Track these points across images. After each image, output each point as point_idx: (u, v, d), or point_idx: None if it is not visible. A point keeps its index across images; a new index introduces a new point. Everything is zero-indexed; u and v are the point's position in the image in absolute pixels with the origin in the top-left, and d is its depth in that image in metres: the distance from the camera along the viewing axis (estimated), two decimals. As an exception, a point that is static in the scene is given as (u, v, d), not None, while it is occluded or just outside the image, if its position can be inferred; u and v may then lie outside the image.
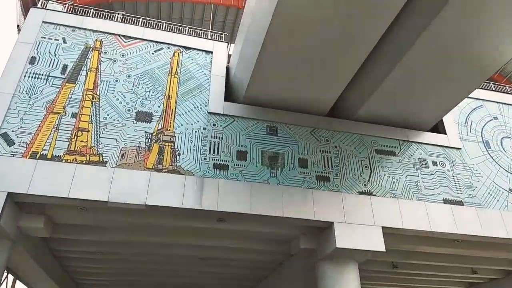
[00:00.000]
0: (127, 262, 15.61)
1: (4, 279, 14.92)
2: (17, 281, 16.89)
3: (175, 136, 11.46)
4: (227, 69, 13.39)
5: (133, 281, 19.04)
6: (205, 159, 11.25)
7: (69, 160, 10.29)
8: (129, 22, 13.57)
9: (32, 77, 11.34)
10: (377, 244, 10.92)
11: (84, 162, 10.37)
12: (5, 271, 13.81)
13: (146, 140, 11.21)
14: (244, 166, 11.42)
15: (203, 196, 10.55)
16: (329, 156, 12.31)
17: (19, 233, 10.54)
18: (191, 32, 14.16)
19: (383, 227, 11.24)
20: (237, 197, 10.77)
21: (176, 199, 10.31)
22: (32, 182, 9.68)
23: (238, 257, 14.45)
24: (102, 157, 10.59)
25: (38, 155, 10.17)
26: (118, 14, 13.99)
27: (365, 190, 11.87)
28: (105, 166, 10.43)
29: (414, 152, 13.16)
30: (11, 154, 10.02)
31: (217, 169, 11.15)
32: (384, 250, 10.94)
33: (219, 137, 11.78)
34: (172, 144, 11.31)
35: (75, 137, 10.76)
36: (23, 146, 10.23)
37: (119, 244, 13.48)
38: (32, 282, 14.82)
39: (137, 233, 12.38)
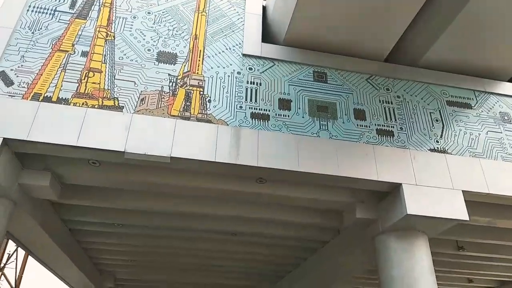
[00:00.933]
0: (148, 237, 13.87)
1: (14, 252, 13.41)
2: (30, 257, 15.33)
3: (204, 81, 9.47)
4: (263, 8, 11.29)
5: (155, 262, 17.33)
6: (240, 107, 9.23)
7: (78, 104, 8.46)
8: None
9: (36, 11, 9.56)
10: (459, 211, 8.65)
11: (96, 106, 8.52)
12: (16, 245, 12.29)
13: (170, 84, 9.26)
14: (288, 116, 9.32)
15: (240, 149, 8.53)
16: (390, 108, 10.07)
17: (22, 194, 8.85)
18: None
19: (463, 191, 8.95)
20: (280, 152, 8.71)
21: (208, 151, 8.33)
22: (33, 127, 7.89)
23: (277, 233, 12.48)
24: (118, 101, 8.71)
25: (41, 97, 8.38)
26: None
27: (437, 148, 9.58)
28: (121, 111, 8.54)
29: (494, 105, 10.75)
30: (9, 96, 8.25)
31: (256, 119, 9.11)
32: (468, 219, 8.67)
33: (257, 83, 9.71)
34: (201, 89, 9.33)
35: (86, 78, 8.91)
36: (24, 87, 8.46)
37: (138, 214, 11.73)
38: (45, 258, 13.21)
39: (160, 199, 10.54)
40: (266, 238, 13.44)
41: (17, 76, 8.56)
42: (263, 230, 12.36)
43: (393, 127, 9.71)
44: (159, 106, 8.86)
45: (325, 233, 12.62)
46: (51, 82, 8.65)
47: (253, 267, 17.35)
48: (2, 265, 12.29)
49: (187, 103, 9.04)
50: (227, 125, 8.85)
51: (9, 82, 8.45)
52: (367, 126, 9.57)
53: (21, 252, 14.47)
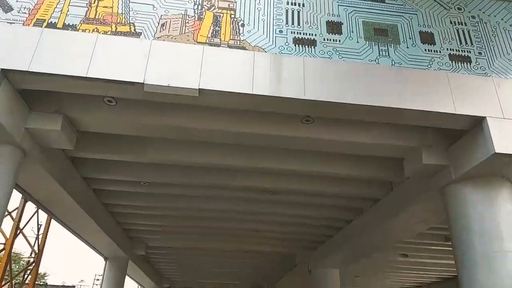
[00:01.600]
0: (177, 198, 12.74)
1: (34, 213, 12.58)
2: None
3: (235, 2, 7.85)
4: None
5: (186, 227, 16.33)
6: (280, 31, 7.59)
7: (88, 30, 7.08)
8: None
9: None
10: (559, 148, 6.82)
11: (108, 32, 7.10)
12: (35, 206, 11.40)
13: (195, 7, 7.72)
14: (339, 41, 7.62)
15: (282, 79, 6.96)
16: (465, 30, 8.16)
17: (32, 142, 7.70)
18: None
19: None
20: (332, 82, 7.09)
21: (243, 82, 6.82)
22: (35, 56, 6.58)
23: (320, 189, 11.03)
24: (134, 27, 7.27)
25: (45, 24, 7.05)
26: None
27: (527, 74, 7.67)
28: (139, 38, 7.10)
29: None
30: (8, 22, 6.95)
31: (300, 45, 7.46)
32: None
33: (299, 4, 8.01)
34: (232, 12, 7.73)
35: (96, 1, 7.49)
36: (25, 13, 7.14)
37: (165, 170, 10.50)
38: (68, 220, 12.30)
39: (187, 148, 9.22)
40: (307, 197, 12.02)
41: (17, 1, 7.23)
42: (305, 187, 10.94)
43: (470, 52, 7.84)
44: (183, 32, 7.36)
45: (377, 189, 11.06)
46: (56, 7, 7.28)
47: (291, 231, 16.07)
48: (21, 226, 11.46)
49: (216, 28, 7.49)
50: (265, 52, 7.26)
51: (7, 8, 7.15)
52: (437, 51, 7.74)
53: (45, 216, 13.71)
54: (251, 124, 7.88)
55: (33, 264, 11.23)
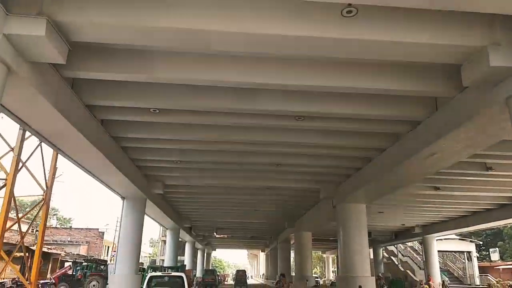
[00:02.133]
0: (190, 129, 11.55)
1: (37, 146, 11.64)
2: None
3: None
4: None
5: (202, 165, 15.41)
6: None
7: None
8: None
9: None
10: None
11: None
12: (36, 136, 10.37)
13: None
14: None
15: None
16: None
17: (14, 53, 6.39)
18: None
19: None
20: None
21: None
22: None
23: (356, 112, 9.65)
24: None
25: None
26: None
27: None
28: None
29: None
30: None
31: None
32: None
33: None
34: None
35: None
36: None
37: (174, 93, 9.19)
38: (74, 154, 11.33)
39: (202, 63, 7.84)
40: (337, 121, 10.63)
41: None
42: (337, 109, 9.57)
43: None
44: None
45: (419, 108, 9.60)
46: None
47: (315, 165, 14.99)
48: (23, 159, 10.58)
49: None
50: None
51: None
52: None
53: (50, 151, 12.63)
54: (282, 21, 6.33)
55: (42, 202, 10.55)
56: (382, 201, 18.99)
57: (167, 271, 25.37)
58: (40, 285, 20.09)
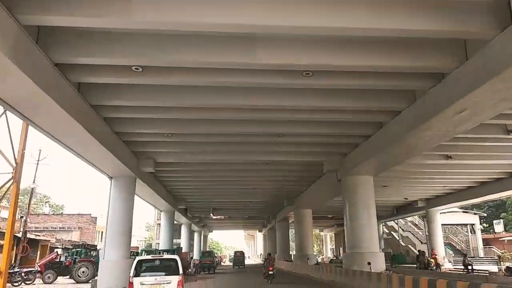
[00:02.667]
0: (179, 92, 10.10)
1: (1, 115, 10.10)
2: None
3: None
4: None
5: (195, 137, 14.03)
6: None
7: None
8: None
9: None
10: None
11: None
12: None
13: None
14: None
15: None
16: None
17: None
18: None
19: None
20: None
21: None
22: None
23: (371, 64, 8.20)
24: None
25: None
26: None
27: None
28: None
29: None
30: None
31: None
32: None
33: None
34: None
35: None
36: None
37: (159, 44, 7.69)
38: (48, 126, 9.81)
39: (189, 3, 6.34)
40: (353, 78, 9.23)
41: None
42: (353, 61, 8.16)
43: None
44: None
45: (448, 55, 8.22)
46: None
47: (319, 134, 13.65)
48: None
49: None
50: None
51: None
52: None
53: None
54: None
55: (12, 181, 9.15)
56: (387, 173, 17.83)
57: (162, 254, 24.51)
58: (23, 274, 18.81)
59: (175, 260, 8.19)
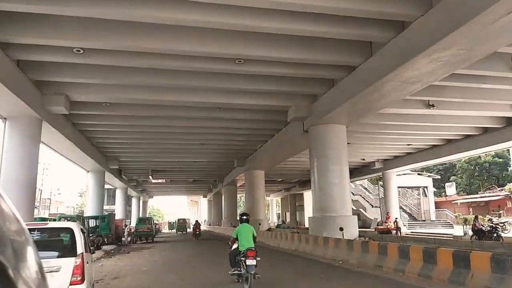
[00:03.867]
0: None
1: None
2: None
3: None
4: None
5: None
6: None
7: None
8: None
9: None
10: None
11: None
12: None
13: None
14: None
15: None
16: None
17: None
18: None
19: None
20: None
21: None
22: None
23: None
24: None
25: None
26: None
27: None
28: None
29: None
30: None
31: None
32: None
33: None
34: None
35: None
36: None
37: None
38: None
39: None
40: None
41: None
42: None
43: None
44: None
45: None
46: None
47: (285, 74, 10.36)
48: None
49: None
50: None
51: None
52: None
53: None
54: None
55: None
56: (352, 129, 15.14)
57: (87, 222, 20.47)
58: None
59: (69, 231, 4.58)
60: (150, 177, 30.99)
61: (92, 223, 22.52)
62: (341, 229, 12.08)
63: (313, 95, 13.30)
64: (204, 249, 18.01)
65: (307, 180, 44.51)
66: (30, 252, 0.80)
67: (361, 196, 37.61)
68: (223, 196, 42.13)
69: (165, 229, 55.69)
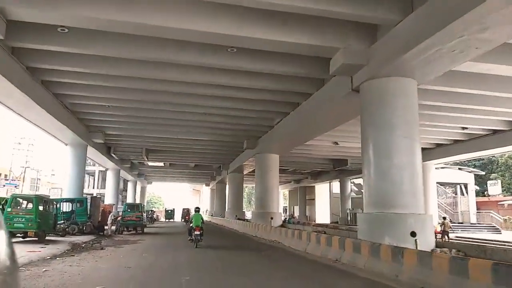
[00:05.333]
0: None
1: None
2: None
3: None
4: None
5: None
6: None
7: None
8: None
9: None
10: None
11: None
12: None
13: None
14: None
15: None
16: None
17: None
18: None
19: None
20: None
21: None
22: None
23: None
24: None
25: None
26: None
27: None
28: None
29: None
30: None
31: None
32: None
33: None
34: None
35: None
36: None
37: None
38: None
39: None
40: None
41: None
42: None
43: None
44: None
45: None
46: None
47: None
48: None
49: None
50: None
51: None
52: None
53: None
54: None
55: None
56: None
57: (55, 205, 16.17)
58: None
59: None
60: (144, 157, 26.68)
61: (66, 207, 18.36)
62: (413, 234, 7.76)
63: (372, 29, 8.83)
64: (208, 253, 13.54)
65: (322, 172, 40.39)
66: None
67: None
68: (227, 185, 37.98)
69: (161, 218, 51.37)
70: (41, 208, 13.04)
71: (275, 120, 17.40)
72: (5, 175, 37.64)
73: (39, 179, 48.06)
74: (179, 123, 18.51)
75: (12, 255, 0.76)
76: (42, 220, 12.91)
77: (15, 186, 33.77)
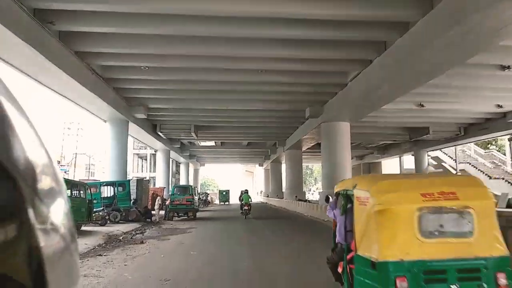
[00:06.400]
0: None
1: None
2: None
3: None
4: None
5: None
6: None
7: None
8: None
9: None
10: None
11: None
12: None
13: None
14: None
15: None
16: None
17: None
18: None
19: None
20: None
21: None
22: None
23: None
24: None
25: None
26: None
27: None
28: None
29: None
30: None
31: None
32: None
33: None
34: None
35: None
36: None
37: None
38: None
39: None
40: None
41: None
42: None
43: None
44: None
45: None
46: None
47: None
48: None
49: None
50: None
51: None
52: None
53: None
54: None
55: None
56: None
57: (99, 190, 13.74)
58: None
59: None
60: (193, 134, 24.01)
61: (107, 192, 16.13)
62: None
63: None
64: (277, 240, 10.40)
65: (391, 145, 35.48)
66: (60, 202, 0.71)
67: (470, 164, 28.11)
68: (283, 164, 34.70)
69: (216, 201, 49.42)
70: (67, 193, 10.61)
71: (351, 74, 13.64)
72: (58, 161, 37.22)
73: (93, 165, 47.68)
74: (231, 87, 15.37)
75: (71, 222, 0.72)
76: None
77: (65, 172, 32.92)
